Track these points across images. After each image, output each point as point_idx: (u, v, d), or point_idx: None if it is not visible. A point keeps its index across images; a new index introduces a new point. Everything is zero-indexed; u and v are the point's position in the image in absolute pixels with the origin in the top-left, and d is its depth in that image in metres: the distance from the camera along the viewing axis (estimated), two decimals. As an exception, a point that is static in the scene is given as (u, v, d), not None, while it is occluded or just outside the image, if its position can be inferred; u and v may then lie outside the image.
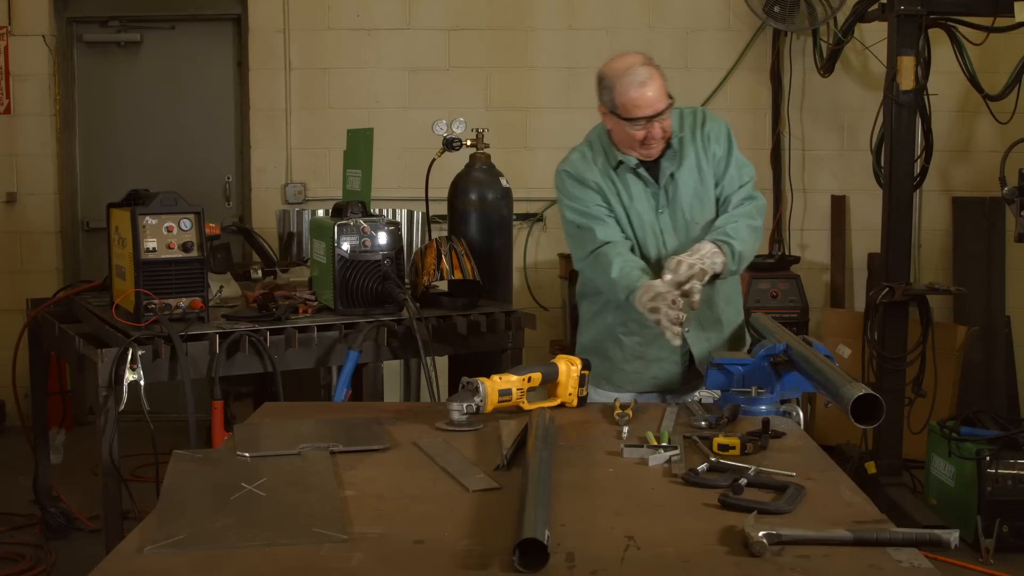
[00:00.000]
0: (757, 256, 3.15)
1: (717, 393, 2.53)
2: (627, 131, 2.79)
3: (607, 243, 2.87)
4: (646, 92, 2.73)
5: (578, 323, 3.17)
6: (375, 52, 6.04)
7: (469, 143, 4.12)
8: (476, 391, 2.34)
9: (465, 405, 2.32)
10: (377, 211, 3.71)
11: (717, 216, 2.92)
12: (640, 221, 2.89)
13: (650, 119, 2.75)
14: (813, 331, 5.71)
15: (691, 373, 2.96)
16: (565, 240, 3.05)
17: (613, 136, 2.89)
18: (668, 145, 2.86)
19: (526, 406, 2.43)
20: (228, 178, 6.27)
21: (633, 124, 2.77)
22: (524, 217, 5.89)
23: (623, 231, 2.90)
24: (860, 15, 4.99)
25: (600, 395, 2.96)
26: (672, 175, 2.88)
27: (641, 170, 2.88)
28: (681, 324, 2.61)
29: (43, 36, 6.00)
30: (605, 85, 2.82)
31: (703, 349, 2.93)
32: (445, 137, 4.08)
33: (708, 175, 2.91)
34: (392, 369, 4.68)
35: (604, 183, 2.90)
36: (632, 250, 2.89)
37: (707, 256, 2.73)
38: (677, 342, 2.65)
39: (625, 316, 2.92)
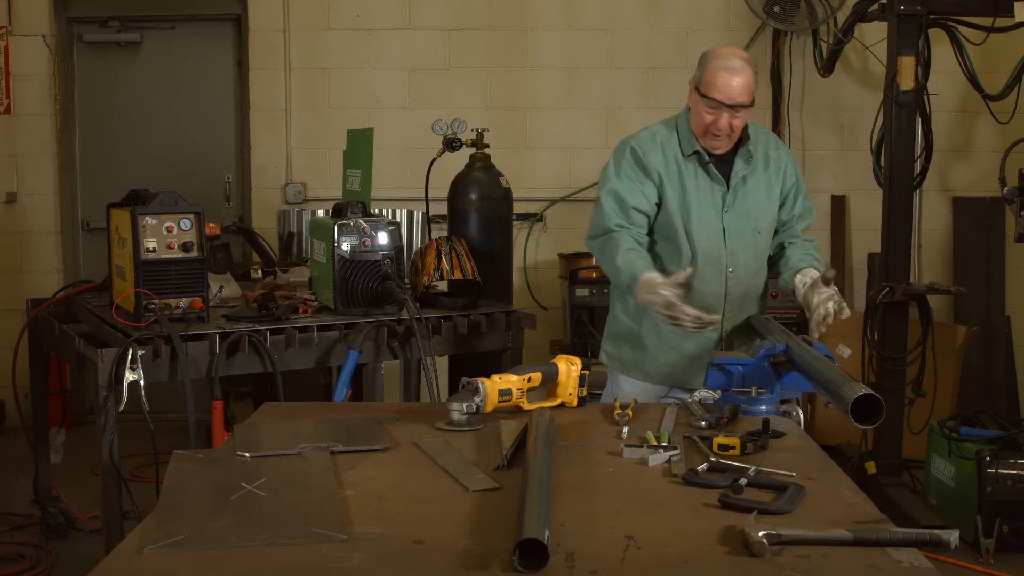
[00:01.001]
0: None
1: (717, 393, 2.54)
2: (700, 110, 2.85)
3: (619, 229, 2.91)
4: (733, 78, 2.80)
5: (609, 309, 3.18)
6: (375, 52, 6.04)
7: (469, 143, 4.12)
8: (476, 391, 2.34)
9: (465, 405, 2.32)
10: (377, 211, 3.72)
11: (776, 234, 3.07)
12: (700, 214, 2.93)
13: (723, 106, 2.81)
14: (813, 331, 5.71)
15: None
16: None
17: (691, 115, 2.93)
18: (741, 146, 2.93)
19: (526, 406, 2.43)
20: (228, 178, 6.27)
21: (707, 103, 2.82)
22: (524, 217, 5.89)
23: (672, 219, 2.93)
24: (860, 15, 4.99)
25: (628, 383, 2.99)
26: (745, 180, 2.95)
27: (711, 166, 2.93)
28: (706, 324, 2.70)
29: (43, 36, 5.99)
30: (703, 62, 2.88)
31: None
32: (445, 137, 4.08)
33: (775, 193, 3.01)
34: (392, 369, 4.69)
35: (667, 169, 2.94)
36: (644, 246, 2.94)
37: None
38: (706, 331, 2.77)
39: None
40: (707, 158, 2.93)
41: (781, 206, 3.05)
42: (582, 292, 5.30)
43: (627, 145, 2.99)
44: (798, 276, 2.89)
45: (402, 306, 3.42)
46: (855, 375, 2.24)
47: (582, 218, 5.86)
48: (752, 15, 5.74)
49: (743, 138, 2.96)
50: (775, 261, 3.10)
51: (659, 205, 2.96)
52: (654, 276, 2.75)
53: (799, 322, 5.29)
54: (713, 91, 2.80)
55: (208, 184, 6.19)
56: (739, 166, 2.95)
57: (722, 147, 2.92)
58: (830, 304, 2.72)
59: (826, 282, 2.76)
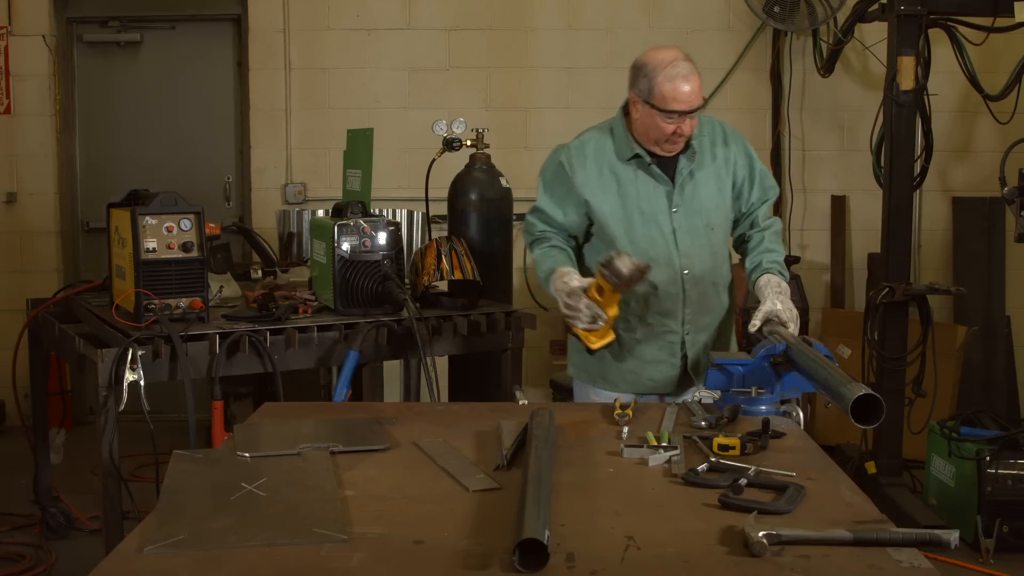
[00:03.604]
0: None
1: (717, 393, 2.53)
2: (658, 122, 2.78)
3: (547, 233, 2.99)
4: (687, 87, 2.73)
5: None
6: (375, 52, 6.04)
7: (469, 143, 4.12)
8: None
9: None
10: (377, 211, 3.71)
11: (737, 225, 3.00)
12: (644, 219, 2.87)
13: (683, 114, 2.76)
14: (813, 331, 5.71)
15: (687, 376, 2.96)
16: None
17: (637, 127, 2.86)
18: (687, 145, 2.87)
19: (594, 345, 2.65)
20: (228, 178, 6.27)
21: (667, 116, 2.76)
22: (524, 217, 5.88)
23: (608, 229, 2.90)
24: (860, 15, 4.99)
25: (596, 394, 2.97)
26: (692, 175, 2.88)
27: (654, 167, 2.86)
28: (595, 323, 2.73)
29: (43, 36, 6.00)
30: (644, 73, 2.79)
31: (698, 352, 2.94)
32: (445, 137, 4.08)
33: (727, 185, 2.94)
34: (392, 369, 4.69)
35: (600, 180, 2.89)
36: (571, 247, 2.98)
37: (789, 297, 2.85)
38: (593, 345, 2.80)
39: (625, 311, 2.91)
40: (649, 160, 2.86)
41: (737, 197, 2.97)
42: (582, 292, 5.29)
43: (558, 157, 3.00)
44: (758, 285, 2.88)
45: (402, 306, 3.42)
46: (855, 375, 2.24)
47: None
48: (752, 15, 5.74)
49: None
50: (741, 251, 3.05)
51: (589, 217, 2.94)
52: (571, 270, 2.81)
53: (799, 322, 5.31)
54: (672, 103, 2.73)
55: (208, 184, 6.19)
56: (683, 163, 2.87)
57: (680, 147, 2.86)
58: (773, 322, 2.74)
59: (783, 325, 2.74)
